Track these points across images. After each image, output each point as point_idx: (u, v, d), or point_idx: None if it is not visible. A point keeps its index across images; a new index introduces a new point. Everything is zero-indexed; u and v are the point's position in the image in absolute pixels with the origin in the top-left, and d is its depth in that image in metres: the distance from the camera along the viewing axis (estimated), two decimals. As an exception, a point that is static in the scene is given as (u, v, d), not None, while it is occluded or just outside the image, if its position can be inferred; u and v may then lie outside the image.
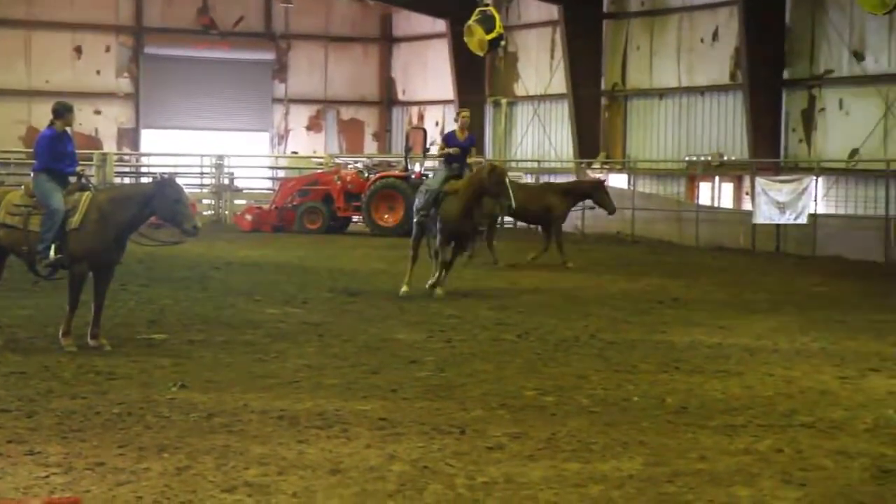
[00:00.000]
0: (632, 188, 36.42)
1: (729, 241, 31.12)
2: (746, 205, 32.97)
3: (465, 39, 39.23)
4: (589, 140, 40.16)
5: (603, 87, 40.33)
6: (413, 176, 34.10)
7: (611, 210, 25.88)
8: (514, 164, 42.27)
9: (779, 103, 34.20)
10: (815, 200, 30.03)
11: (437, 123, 47.19)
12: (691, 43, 37.28)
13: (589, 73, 40.05)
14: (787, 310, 17.44)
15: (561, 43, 40.47)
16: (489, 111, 45.23)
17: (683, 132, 37.57)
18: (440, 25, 45.01)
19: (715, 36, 36.44)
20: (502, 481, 7.37)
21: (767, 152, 33.63)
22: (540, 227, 25.97)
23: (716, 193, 35.76)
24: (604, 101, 40.45)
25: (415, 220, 18.33)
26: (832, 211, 30.92)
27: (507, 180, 18.10)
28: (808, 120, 33.53)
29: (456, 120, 19.33)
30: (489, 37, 38.37)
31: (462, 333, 14.11)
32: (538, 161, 41.52)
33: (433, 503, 6.94)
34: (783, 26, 34.05)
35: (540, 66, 43.04)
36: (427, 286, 17.92)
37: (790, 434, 8.79)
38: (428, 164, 37.82)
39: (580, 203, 26.23)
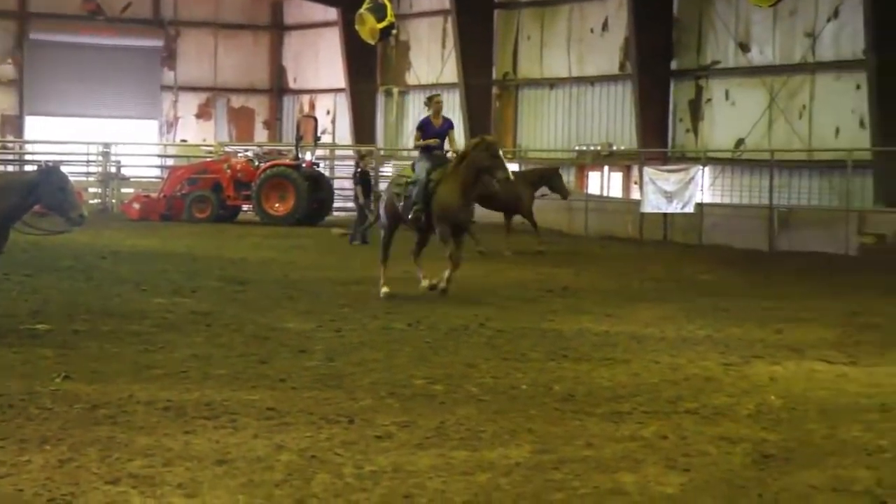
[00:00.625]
0: (522, 177, 36.54)
1: (617, 230, 31.44)
2: (635, 194, 33.32)
3: (357, 28, 39.10)
4: (480, 129, 40.13)
5: (494, 76, 40.48)
6: (304, 165, 33.95)
7: (564, 195, 27.07)
8: (405, 154, 42.23)
9: (667, 94, 34.63)
10: (702, 190, 30.46)
11: (328, 112, 47.04)
12: (581, 33, 37.55)
13: (480, 63, 40.16)
14: (674, 298, 17.67)
15: (452, 32, 40.53)
16: (380, 100, 45.17)
17: (573, 122, 37.85)
18: (332, 14, 44.84)
19: (605, 26, 36.76)
20: (390, 470, 7.37)
21: (655, 142, 34.03)
22: (504, 215, 26.31)
23: (605, 183, 36.13)
24: (495, 90, 40.60)
25: (409, 216, 16.80)
26: (718, 200, 31.39)
27: (500, 152, 16.97)
28: (696, 110, 34.00)
29: (427, 105, 17.97)
30: (380, 25, 38.29)
31: (352, 323, 14.08)
32: (429, 150, 41.50)
33: (320, 492, 6.91)
34: (671, 17, 34.46)
35: (431, 56, 43.07)
36: (425, 286, 16.72)
37: (675, 420, 8.90)
38: (318, 152, 37.72)
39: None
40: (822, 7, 30.83)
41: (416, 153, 18.14)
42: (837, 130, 30.52)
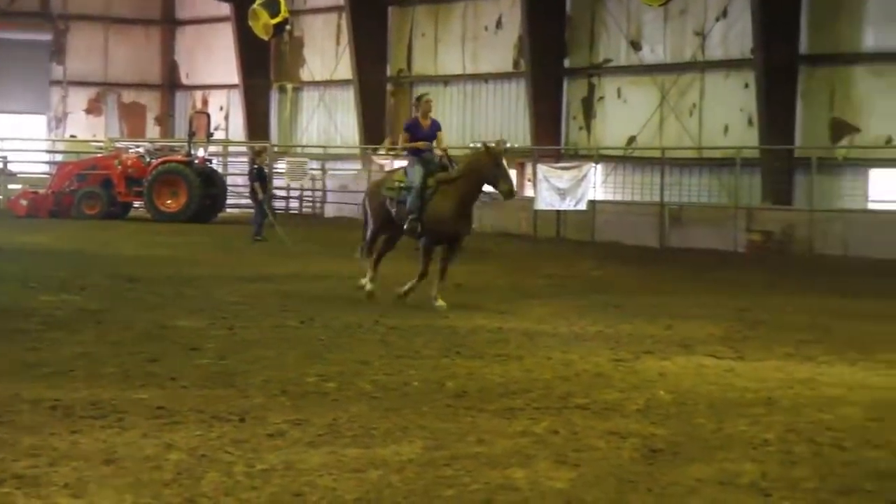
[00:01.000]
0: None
1: (511, 227, 31.60)
2: (529, 191, 33.55)
3: (250, 23, 38.87)
4: (374, 126, 40.25)
5: (388, 73, 40.48)
6: (196, 161, 33.63)
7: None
8: (299, 150, 42.06)
9: (560, 92, 34.92)
10: (595, 187, 30.74)
11: (221, 108, 46.67)
12: (476, 31, 37.72)
13: (374, 60, 40.16)
14: (566, 295, 17.81)
15: (347, 28, 40.47)
16: (274, 96, 44.94)
17: (468, 119, 38.00)
18: (225, 9, 44.52)
19: (498, 24, 36.95)
20: (281, 468, 7.32)
21: (549, 140, 34.28)
22: None
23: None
24: (389, 87, 40.60)
25: (405, 226, 15.79)
26: (610, 197, 31.71)
27: (504, 161, 15.81)
28: (588, 108, 34.32)
29: (416, 105, 16.84)
30: (274, 21, 38.11)
31: (245, 320, 13.97)
32: (324, 147, 41.41)
33: (210, 491, 6.84)
34: (564, 16, 34.75)
35: (326, 52, 42.96)
36: (366, 286, 16.23)
37: (566, 416, 8.96)
38: (211, 148, 37.36)
39: None
40: (711, 7, 31.31)
41: (381, 157, 18.06)
42: (726, 129, 31.02)
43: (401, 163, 39.45)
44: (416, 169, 15.93)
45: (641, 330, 13.96)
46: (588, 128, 34.55)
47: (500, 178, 15.60)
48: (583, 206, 30.14)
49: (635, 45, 33.34)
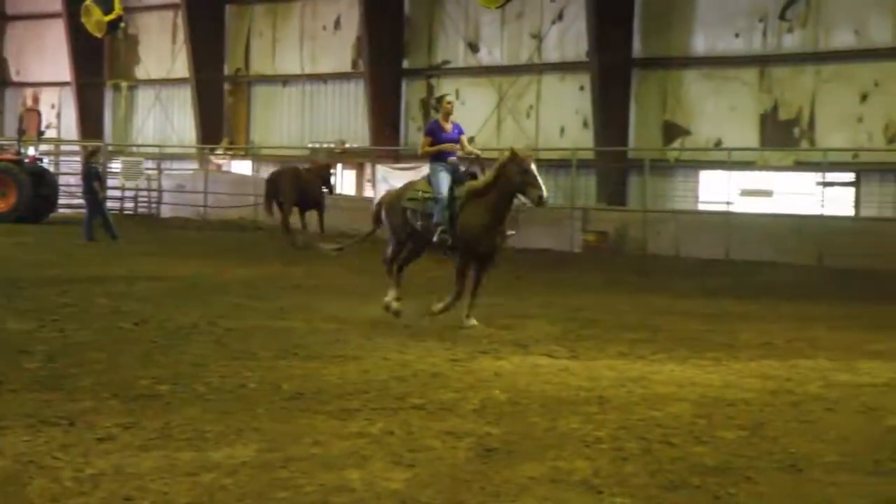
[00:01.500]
0: (255, 175, 36.38)
1: (352, 228, 31.51)
2: (369, 192, 33.53)
3: (83, 20, 38.14)
4: (212, 126, 39.84)
5: (226, 72, 40.10)
6: (27, 160, 32.84)
7: (332, 190, 28.56)
8: (134, 150, 41.40)
9: (398, 92, 34.97)
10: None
11: (53, 106, 45.67)
12: (314, 31, 37.60)
13: (211, 59, 39.76)
14: (404, 295, 17.78)
15: (183, 27, 39.95)
16: (109, 95, 44.14)
17: (307, 119, 37.86)
18: (56, 4, 43.56)
19: (337, 24, 36.88)
20: (111, 472, 7.19)
21: (388, 140, 34.32)
22: (300, 212, 27.40)
23: (339, 181, 36.20)
24: (227, 86, 40.22)
25: (434, 238, 14.56)
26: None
27: (533, 166, 14.20)
28: (427, 109, 34.43)
29: (436, 108, 16.12)
30: (107, 18, 37.48)
31: (76, 322, 13.68)
32: (160, 147, 40.82)
33: (37, 498, 6.68)
34: (402, 17, 34.83)
35: (162, 50, 42.36)
36: (392, 304, 14.91)
37: (402, 416, 8.97)
38: (43, 147, 36.53)
39: None
40: (547, 10, 31.70)
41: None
42: (563, 130, 31.44)
43: (242, 163, 39.17)
44: (441, 177, 14.62)
45: (478, 330, 14.04)
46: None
47: (528, 185, 14.06)
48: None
49: (473, 47, 33.59)
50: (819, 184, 26.14)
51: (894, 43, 25.61)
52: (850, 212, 26.58)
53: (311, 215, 27.62)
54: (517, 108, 32.50)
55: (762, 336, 14.12)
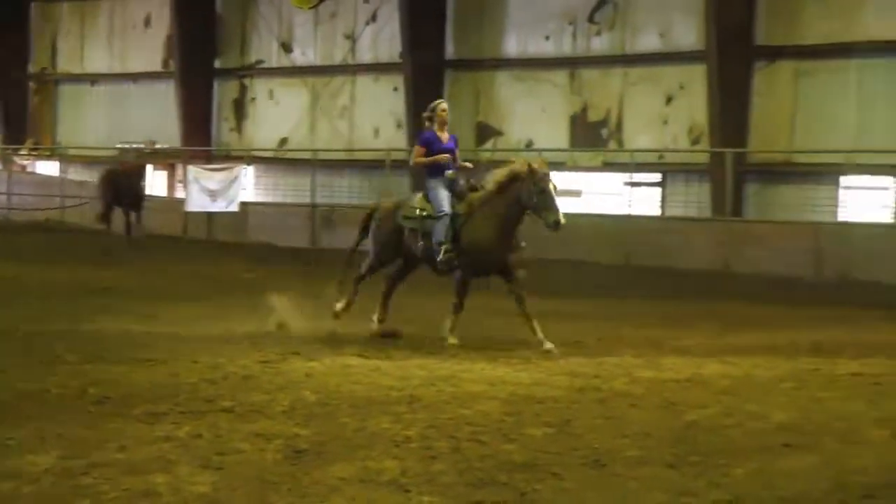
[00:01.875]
0: (63, 176, 35.57)
1: (163, 229, 31.05)
2: (180, 193, 33.09)
3: None
4: (16, 125, 38.81)
5: (31, 71, 39.12)
6: None
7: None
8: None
9: (210, 92, 34.61)
10: (246, 188, 30.64)
11: None
12: (123, 29, 36.93)
13: (15, 57, 38.72)
14: (216, 296, 17.66)
15: (-19, 24, 38.89)
16: None
17: (116, 119, 37.18)
18: None
19: (147, 22, 36.34)
20: None
21: (199, 141, 33.93)
22: (125, 212, 26.93)
23: (150, 181, 35.62)
24: (32, 85, 39.23)
25: (439, 258, 13.40)
26: (262, 199, 31.68)
27: (551, 186, 13.09)
28: (240, 109, 34.16)
29: (430, 118, 13.94)
30: None
31: None
32: (-38, 146, 39.62)
33: None
34: (214, 15, 34.48)
35: (-37, 48, 41.10)
36: (375, 329, 14.06)
37: (210, 419, 8.87)
38: None
39: None
40: (360, 11, 31.75)
41: None
42: (377, 131, 31.53)
43: (49, 164, 38.19)
44: (440, 193, 13.51)
45: (282, 331, 13.97)
46: (239, 129, 34.39)
47: (543, 209, 12.97)
48: (234, 208, 29.96)
49: (286, 47, 33.42)
50: (626, 184, 26.71)
51: (698, 46, 26.32)
52: (657, 212, 27.23)
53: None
54: (331, 108, 32.47)
55: (571, 334, 14.36)
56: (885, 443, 8.51)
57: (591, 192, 27.88)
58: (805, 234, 22.50)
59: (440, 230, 13.37)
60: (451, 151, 13.80)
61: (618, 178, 27.43)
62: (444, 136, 13.83)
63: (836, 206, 23.88)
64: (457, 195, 13.55)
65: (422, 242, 13.60)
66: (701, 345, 13.87)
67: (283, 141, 33.07)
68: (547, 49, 29.19)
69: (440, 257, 13.35)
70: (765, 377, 11.41)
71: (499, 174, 13.40)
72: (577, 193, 27.99)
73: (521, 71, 29.61)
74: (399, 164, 29.40)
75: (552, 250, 25.27)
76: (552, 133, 28.98)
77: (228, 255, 26.20)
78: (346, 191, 31.16)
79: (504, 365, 11.93)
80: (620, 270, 23.73)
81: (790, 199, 24.41)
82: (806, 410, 9.66)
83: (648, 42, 27.67)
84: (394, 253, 14.15)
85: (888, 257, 21.37)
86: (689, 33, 26.94)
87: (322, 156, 31.07)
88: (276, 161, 32.90)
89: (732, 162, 24.60)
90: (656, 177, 27.62)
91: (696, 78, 26.43)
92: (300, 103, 33.00)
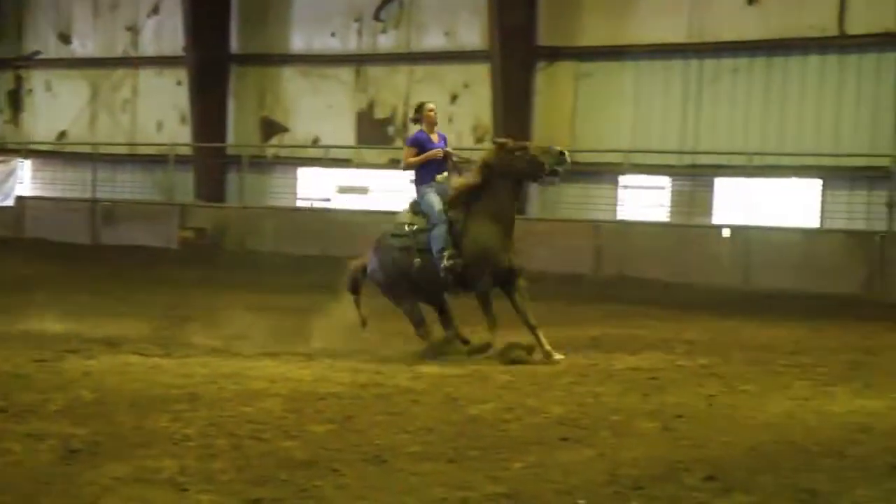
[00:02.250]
0: None
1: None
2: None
3: None
4: None
5: None
6: None
7: None
8: None
9: (-15, 84, 33.56)
10: (23, 183, 29.79)
11: None
12: None
13: None
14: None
15: None
16: None
17: None
18: None
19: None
20: None
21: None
22: None
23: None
24: None
25: (442, 265, 12.37)
26: (40, 193, 30.82)
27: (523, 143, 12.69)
28: (16, 101, 33.15)
29: (417, 119, 13.12)
30: None
31: None
32: None
33: None
34: (-10, 4, 33.40)
35: None
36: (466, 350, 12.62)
37: (-22, 421, 8.61)
38: None
39: None
40: (143, 2, 31.17)
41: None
42: (160, 125, 31.00)
43: None
44: (432, 199, 12.61)
45: (69, 329, 13.64)
46: (16, 121, 33.37)
47: (539, 156, 12.31)
48: (10, 202, 29.08)
49: (65, 38, 32.55)
50: (411, 182, 26.82)
51: (482, 46, 26.63)
52: (441, 209, 27.40)
53: None
54: (112, 101, 31.77)
55: (356, 330, 14.35)
56: (657, 435, 8.76)
57: (378, 190, 27.94)
58: (585, 232, 23.02)
59: (439, 238, 12.43)
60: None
61: (404, 176, 27.47)
62: (434, 137, 12.98)
63: (615, 204, 24.46)
64: (452, 204, 12.57)
65: (418, 259, 12.58)
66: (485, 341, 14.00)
67: (62, 134, 32.22)
68: (333, 45, 29.13)
69: (444, 264, 12.31)
70: (544, 372, 11.62)
71: (475, 171, 12.57)
72: (363, 191, 28.06)
73: (307, 67, 29.48)
74: (183, 160, 29.00)
75: (340, 248, 25.33)
76: (339, 130, 28.94)
77: (4, 250, 25.40)
78: (128, 186, 30.53)
79: (287, 362, 11.87)
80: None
81: (572, 198, 24.90)
82: (583, 405, 9.88)
83: (434, 41, 27.88)
84: (409, 280, 12.76)
85: (663, 255, 22.03)
86: (473, 33, 27.24)
87: (103, 150, 30.39)
88: (55, 155, 32.02)
89: (515, 160, 24.99)
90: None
91: (480, 77, 26.74)
92: (80, 96, 32.19)
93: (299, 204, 28.71)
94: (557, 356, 12.20)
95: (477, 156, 13.39)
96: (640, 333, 14.83)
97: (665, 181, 24.80)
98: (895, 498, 6.99)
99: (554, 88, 26.22)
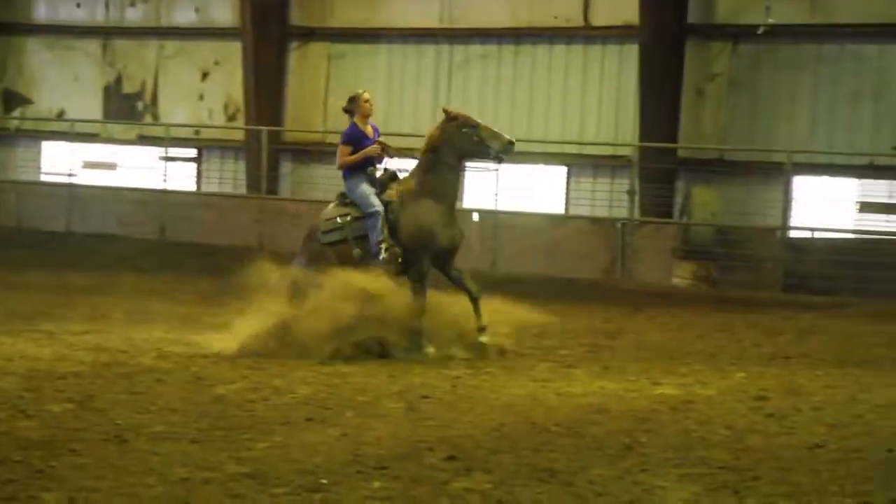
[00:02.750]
0: None
1: None
2: None
3: None
4: None
5: None
6: None
7: None
8: None
9: None
10: None
11: None
12: None
13: None
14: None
15: None
16: None
17: None
18: None
19: None
20: None
21: None
22: None
23: None
24: None
25: (381, 257, 11.63)
26: None
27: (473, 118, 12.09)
28: None
29: (350, 111, 12.24)
30: None
31: None
32: None
33: None
34: None
35: None
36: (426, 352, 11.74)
37: None
38: None
39: None
40: None
41: None
42: None
43: None
44: (364, 189, 11.96)
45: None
46: None
47: (485, 139, 11.85)
48: None
49: None
50: (162, 158, 26.40)
51: (234, 23, 26.35)
52: (193, 187, 27.07)
53: None
54: None
55: (99, 308, 14.07)
56: (401, 415, 8.85)
57: (127, 166, 27.36)
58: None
59: (375, 227, 11.82)
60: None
61: (154, 152, 27.03)
62: (369, 130, 12.26)
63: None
64: (380, 185, 12.03)
65: (357, 249, 11.86)
66: (234, 321, 13.90)
67: None
68: (79, 16, 28.32)
69: (382, 256, 11.70)
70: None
71: (423, 145, 12.12)
72: (111, 166, 27.43)
73: (51, 38, 28.60)
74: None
75: (85, 224, 24.74)
76: (85, 104, 28.18)
77: None
78: None
79: (27, 340, 11.54)
80: (155, 245, 23.44)
81: (324, 179, 24.91)
82: (330, 385, 9.91)
83: (184, 16, 27.43)
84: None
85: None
86: (224, 10, 26.92)
87: None
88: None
89: (267, 140, 24.82)
90: (192, 152, 27.44)
91: (232, 55, 26.45)
92: None
93: (43, 178, 27.86)
94: (484, 338, 11.81)
95: (413, 144, 12.87)
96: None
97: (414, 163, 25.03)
98: (629, 477, 7.23)
99: (307, 68, 26.16)
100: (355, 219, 11.94)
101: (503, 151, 11.94)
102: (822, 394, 10.18)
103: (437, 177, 11.96)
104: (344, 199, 12.19)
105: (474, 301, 11.82)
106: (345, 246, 11.92)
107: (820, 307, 17.28)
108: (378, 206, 11.86)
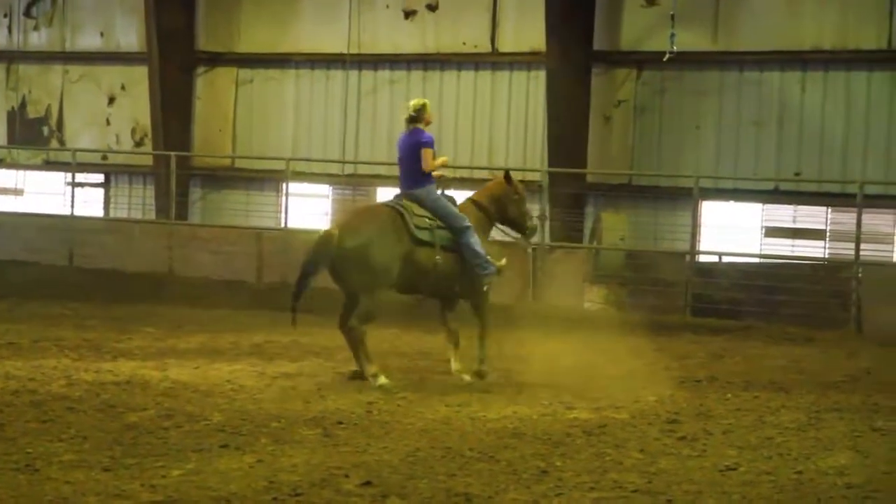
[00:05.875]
0: None
1: None
2: None
3: None
4: None
5: None
6: None
7: None
8: None
9: None
10: None
11: None
12: None
13: None
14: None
15: None
16: None
17: None
18: None
19: None
20: None
21: None
22: None
23: None
24: None
25: (485, 274, 12.05)
26: None
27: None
28: None
29: (415, 119, 12.23)
30: None
31: None
32: None
33: None
34: None
35: None
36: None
37: None
38: None
39: None
40: None
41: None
42: None
43: None
44: (446, 202, 12.12)
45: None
46: None
47: (523, 216, 12.69)
48: None
49: None
50: (69, 184, 26.10)
51: (139, 47, 26.15)
52: (101, 212, 26.79)
53: None
54: None
55: (7, 336, 13.87)
56: (316, 441, 8.84)
57: (33, 192, 27.02)
58: (248, 238, 22.89)
59: (477, 242, 12.00)
60: None
61: (60, 178, 26.72)
62: None
63: (278, 212, 24.42)
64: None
65: (439, 257, 11.89)
66: (144, 347, 13.82)
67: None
68: (-18, 41, 27.98)
69: (487, 274, 12.09)
70: (206, 379, 11.52)
71: (490, 188, 12.71)
72: (17, 192, 27.07)
73: None
74: None
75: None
76: (-11, 129, 27.80)
77: None
78: None
79: (-68, 370, 11.34)
80: (63, 271, 23.11)
81: (234, 204, 24.77)
82: (244, 412, 9.86)
83: (89, 40, 27.18)
84: (406, 278, 11.98)
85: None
86: (130, 34, 26.72)
87: None
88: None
89: (176, 165, 24.63)
90: (100, 177, 27.16)
91: (138, 79, 26.24)
92: None
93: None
94: (466, 376, 12.22)
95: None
96: (302, 341, 14.88)
97: (327, 189, 25.00)
98: (544, 501, 7.27)
99: (214, 93, 26.03)
100: (440, 227, 11.94)
101: (527, 235, 13.04)
102: (731, 417, 10.34)
103: (484, 224, 12.47)
104: (399, 200, 12.11)
105: (454, 336, 12.42)
106: (431, 252, 11.89)
107: (728, 331, 17.53)
108: (469, 221, 12.06)
